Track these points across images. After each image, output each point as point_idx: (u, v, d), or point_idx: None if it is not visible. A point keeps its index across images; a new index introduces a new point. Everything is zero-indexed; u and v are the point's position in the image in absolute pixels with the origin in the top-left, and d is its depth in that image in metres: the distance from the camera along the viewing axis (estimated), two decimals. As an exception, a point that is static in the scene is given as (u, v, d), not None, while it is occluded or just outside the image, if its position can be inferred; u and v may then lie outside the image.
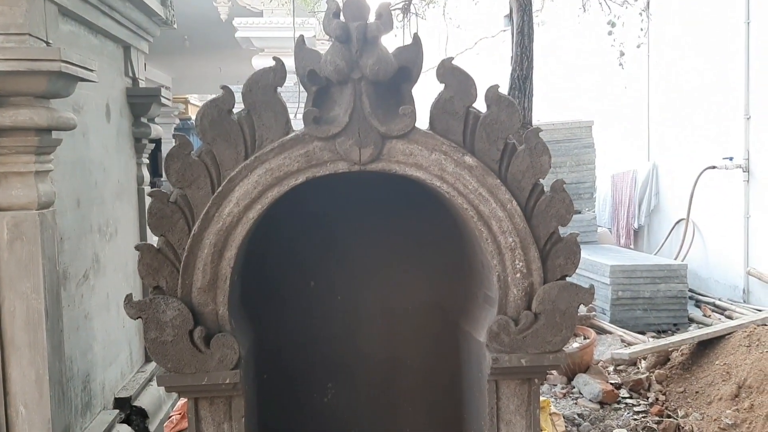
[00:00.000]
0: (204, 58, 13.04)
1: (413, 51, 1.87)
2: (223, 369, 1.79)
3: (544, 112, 7.79)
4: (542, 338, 1.87)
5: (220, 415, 1.84)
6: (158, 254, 1.81)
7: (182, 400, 4.18)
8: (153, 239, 1.86)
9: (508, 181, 1.89)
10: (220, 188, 1.80)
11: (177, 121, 13.86)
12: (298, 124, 1.81)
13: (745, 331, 4.39)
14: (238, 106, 1.82)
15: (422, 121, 1.89)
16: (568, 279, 1.92)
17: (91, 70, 2.06)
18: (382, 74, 1.80)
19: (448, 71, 1.87)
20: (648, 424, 4.02)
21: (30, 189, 1.91)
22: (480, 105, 1.92)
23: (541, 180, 1.92)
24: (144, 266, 1.81)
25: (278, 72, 1.82)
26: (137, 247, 1.80)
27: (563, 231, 1.94)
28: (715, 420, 3.82)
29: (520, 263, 1.89)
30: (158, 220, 1.80)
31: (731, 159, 6.89)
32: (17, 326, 1.91)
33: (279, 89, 1.84)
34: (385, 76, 1.81)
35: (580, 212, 7.49)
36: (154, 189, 1.83)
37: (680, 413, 4.15)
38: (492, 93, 1.89)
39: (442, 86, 1.90)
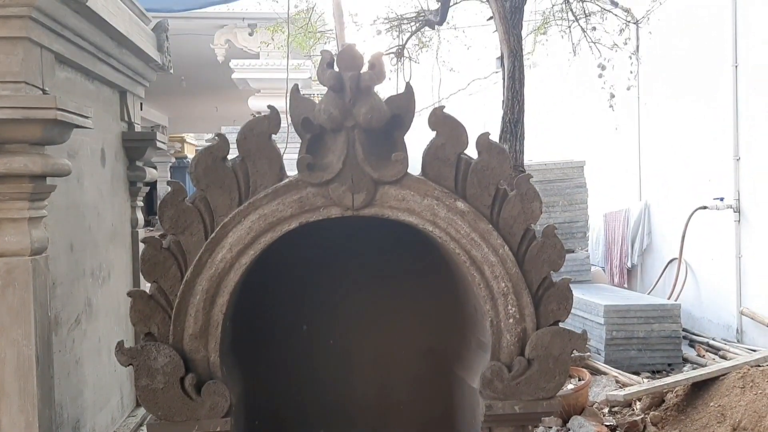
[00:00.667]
0: (201, 99, 13.15)
1: (405, 99, 1.89)
2: (214, 417, 1.77)
3: (535, 152, 7.85)
4: (536, 385, 1.85)
5: (211, 464, 1.81)
6: (150, 301, 1.80)
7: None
8: (146, 284, 1.85)
9: (500, 226, 1.90)
10: (214, 234, 1.81)
11: (173, 160, 13.91)
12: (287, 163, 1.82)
13: (739, 373, 4.37)
14: (233, 152, 1.83)
15: (414, 167, 1.90)
16: (560, 324, 1.92)
17: (87, 117, 2.08)
18: (375, 122, 1.82)
19: (440, 119, 1.89)
20: (644, 468, 3.97)
21: (23, 235, 1.90)
22: (471, 151, 1.94)
23: (532, 225, 1.93)
24: (136, 313, 1.80)
25: (273, 120, 1.84)
26: (130, 294, 1.79)
27: (555, 276, 1.95)
28: (711, 463, 3.78)
29: (513, 308, 1.89)
30: (151, 267, 1.80)
31: (722, 199, 6.93)
32: (7, 373, 1.89)
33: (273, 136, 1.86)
34: (378, 124, 1.83)
35: (573, 251, 7.50)
36: (147, 236, 1.83)
37: (676, 456, 4.10)
38: (483, 140, 1.90)
39: (434, 133, 1.92)
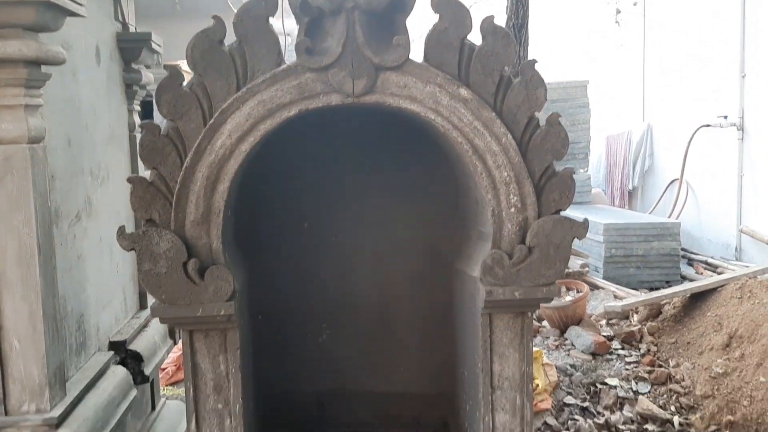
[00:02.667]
0: (196, 23, 12.86)
1: (406, -18, 1.84)
2: (218, 301, 1.78)
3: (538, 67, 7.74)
4: (536, 271, 1.87)
5: (215, 347, 1.84)
6: (150, 187, 1.79)
7: (176, 351, 4.20)
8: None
9: (504, 114, 1.87)
10: (212, 120, 1.78)
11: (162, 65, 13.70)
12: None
13: (737, 284, 4.42)
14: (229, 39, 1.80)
15: (416, 55, 1.86)
16: (562, 213, 1.92)
17: (81, 4, 2.03)
18: (375, 3, 1.77)
19: (443, 2, 1.85)
20: (639, 374, 4.06)
21: (20, 122, 1.88)
22: (475, 37, 1.90)
23: (536, 113, 1.91)
24: (136, 199, 1.79)
25: (269, 1, 1.79)
26: (129, 180, 1.78)
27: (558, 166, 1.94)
28: (706, 369, 3.86)
29: (515, 197, 1.88)
30: (150, 153, 1.78)
31: (726, 117, 6.87)
32: (9, 261, 1.90)
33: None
34: (379, 6, 1.78)
35: (574, 172, 7.49)
36: (146, 121, 1.81)
37: (672, 363, 4.19)
38: (488, 24, 1.86)
39: (436, 18, 1.88)
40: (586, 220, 1.91)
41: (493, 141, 1.87)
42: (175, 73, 1.79)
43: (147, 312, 2.96)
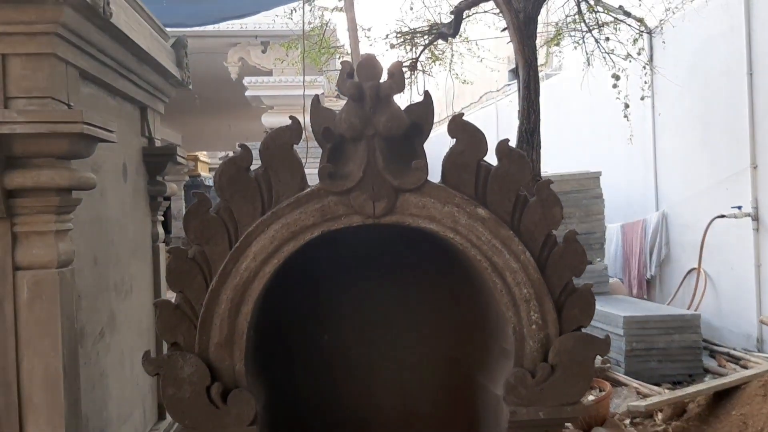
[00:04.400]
0: (214, 117, 13.25)
1: (424, 107, 1.92)
2: (240, 425, 1.79)
3: (551, 163, 7.85)
4: (560, 390, 1.86)
5: (238, 473, 1.83)
6: (176, 310, 1.83)
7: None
8: (167, 296, 1.88)
9: (521, 232, 1.91)
10: (238, 244, 1.83)
11: (187, 178, 14.01)
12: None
13: (761, 381, 4.33)
14: (255, 164, 1.86)
15: (434, 176, 1.92)
16: (583, 330, 1.93)
17: (111, 132, 2.12)
18: (394, 130, 1.85)
19: (459, 126, 1.92)
20: (668, 478, 3.94)
21: (50, 248, 1.93)
22: (491, 159, 1.96)
23: (553, 231, 1.95)
24: (162, 322, 1.82)
25: (294, 130, 1.87)
26: (155, 304, 1.82)
27: (577, 282, 1.96)
28: (736, 473, 3.74)
29: (535, 315, 1.90)
30: (177, 277, 1.82)
31: (740, 208, 6.89)
32: (35, 385, 1.92)
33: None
34: (398, 132, 1.86)
35: (591, 263, 7.47)
36: (173, 246, 1.86)
37: (700, 466, 4.07)
38: (503, 147, 1.92)
39: (452, 141, 1.95)
40: (608, 337, 1.92)
41: (512, 258, 1.90)
42: (203, 199, 1.85)
43: (165, 423, 2.94)
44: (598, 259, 7.78)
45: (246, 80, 9.41)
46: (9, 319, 1.90)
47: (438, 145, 2.04)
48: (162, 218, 3.12)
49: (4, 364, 1.92)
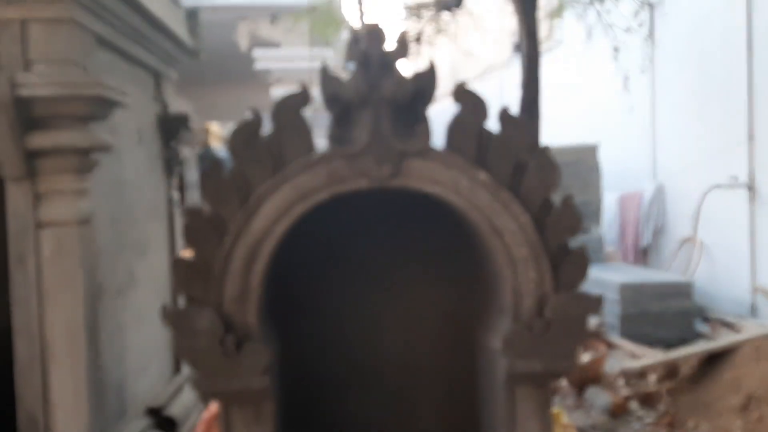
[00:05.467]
0: (223, 88, 13.23)
1: (428, 75, 1.95)
2: (253, 375, 1.84)
3: (551, 134, 7.85)
4: (555, 344, 1.91)
5: (250, 419, 1.89)
6: (192, 267, 1.87)
7: (207, 412, 4.22)
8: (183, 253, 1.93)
9: (520, 196, 1.95)
10: (250, 205, 1.87)
11: (199, 147, 14.04)
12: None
13: (753, 345, 4.39)
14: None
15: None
16: (579, 289, 1.97)
17: (127, 95, 2.15)
18: (400, 96, 1.88)
19: (463, 93, 1.94)
20: (658, 435, 4.02)
21: (70, 207, 1.98)
22: (493, 125, 1.99)
23: (551, 195, 1.98)
24: (178, 278, 1.87)
25: (303, 96, 1.90)
26: (173, 262, 1.87)
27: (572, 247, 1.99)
28: (725, 431, 3.82)
29: (533, 273, 1.94)
30: (193, 235, 1.87)
31: (736, 178, 6.90)
32: (57, 336, 1.98)
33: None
34: (403, 98, 1.88)
35: (587, 231, 7.50)
36: (189, 206, 1.90)
37: (690, 424, 4.14)
38: (504, 114, 1.95)
39: (455, 108, 1.97)
40: (600, 296, 1.96)
41: (511, 220, 1.94)
42: (217, 163, 1.89)
43: (181, 376, 3.02)
44: (595, 228, 7.81)
45: (255, 53, 9.39)
46: (32, 275, 1.96)
47: (442, 117, 2.08)
48: (177, 183, 3.16)
49: (27, 318, 1.98)
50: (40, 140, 1.92)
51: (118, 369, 2.36)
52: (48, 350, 1.99)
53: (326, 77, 1.92)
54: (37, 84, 1.86)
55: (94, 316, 2.07)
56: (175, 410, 2.75)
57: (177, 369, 3.07)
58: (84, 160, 2.01)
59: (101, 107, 2.03)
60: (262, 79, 10.29)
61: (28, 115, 1.90)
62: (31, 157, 1.94)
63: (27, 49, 1.93)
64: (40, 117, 1.92)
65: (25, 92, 1.85)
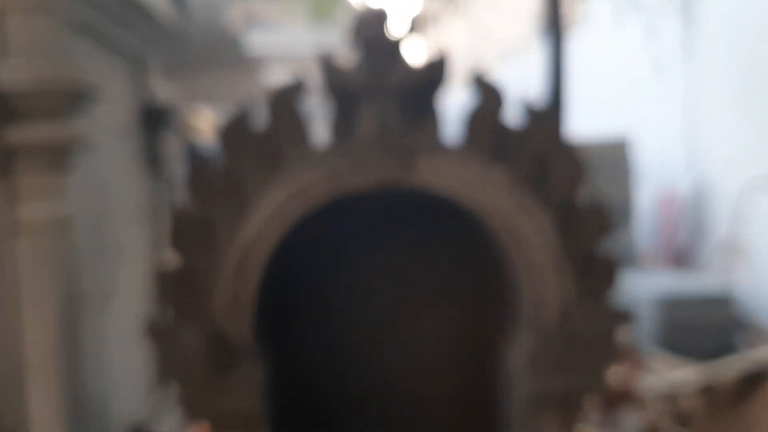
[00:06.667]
0: (211, 72, 13.28)
1: (441, 63, 1.93)
2: (245, 395, 1.84)
3: (578, 123, 7.82)
4: (581, 360, 1.90)
5: (241, 443, 1.89)
6: (178, 275, 1.87)
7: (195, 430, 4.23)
8: (168, 259, 1.92)
9: (543, 195, 1.93)
10: (242, 205, 1.87)
11: (186, 137, 14.08)
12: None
13: (799, 360, 4.36)
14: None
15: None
16: (607, 300, 1.96)
17: (107, 87, 2.16)
18: (408, 86, 1.87)
19: (478, 83, 1.93)
20: (694, 459, 4.00)
21: (46, 209, 1.99)
22: (513, 117, 1.97)
23: (577, 194, 1.97)
24: (162, 288, 1.87)
25: (299, 86, 1.89)
26: (156, 269, 1.87)
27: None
28: (767, 455, 3.79)
29: (556, 282, 1.93)
30: (179, 239, 1.86)
31: (782, 176, 6.85)
32: (35, 347, 1.98)
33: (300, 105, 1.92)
34: (411, 89, 1.88)
35: (618, 234, 7.48)
36: (176, 208, 1.90)
37: (729, 448, 4.12)
38: (525, 106, 1.94)
39: (470, 98, 1.96)
40: (631, 308, 1.95)
41: (532, 223, 1.93)
42: (206, 159, 1.89)
43: (168, 391, 3.02)
44: (626, 231, 7.79)
45: (249, 36, 9.42)
46: (9, 278, 1.96)
47: (456, 109, 2.06)
48: (161, 180, 3.18)
49: (2, 329, 1.98)
50: (15, 137, 1.93)
51: (99, 384, 2.37)
52: (24, 363, 2.00)
53: (328, 65, 1.91)
54: (13, 77, 1.87)
55: (74, 327, 2.08)
56: (159, 426, 2.77)
57: (163, 383, 3.08)
58: (62, 157, 2.02)
59: (78, 101, 2.03)
60: (255, 63, 10.32)
61: (2, 110, 1.91)
62: (6, 154, 1.95)
63: (5, 41, 1.93)
64: (15, 111, 1.93)
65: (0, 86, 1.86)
